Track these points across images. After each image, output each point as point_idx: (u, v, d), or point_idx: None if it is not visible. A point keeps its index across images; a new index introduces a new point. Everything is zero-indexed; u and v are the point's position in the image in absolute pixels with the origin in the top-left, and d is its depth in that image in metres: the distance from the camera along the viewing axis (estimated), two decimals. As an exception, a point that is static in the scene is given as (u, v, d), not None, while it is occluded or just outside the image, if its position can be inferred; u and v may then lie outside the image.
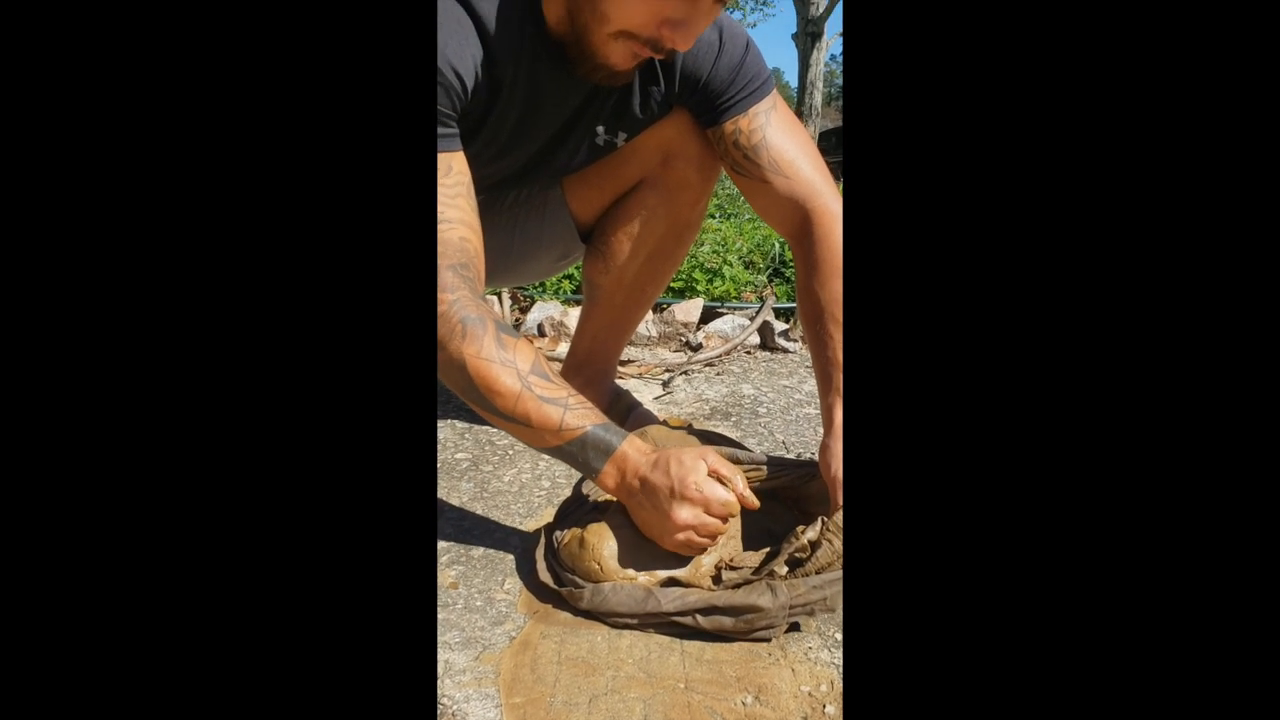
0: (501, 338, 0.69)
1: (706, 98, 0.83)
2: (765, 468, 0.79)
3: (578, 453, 0.71)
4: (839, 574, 0.67)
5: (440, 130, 0.70)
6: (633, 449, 0.71)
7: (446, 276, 0.68)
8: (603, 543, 0.72)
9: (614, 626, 0.70)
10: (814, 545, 0.68)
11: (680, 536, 0.70)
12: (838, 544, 0.67)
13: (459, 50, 0.70)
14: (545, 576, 0.74)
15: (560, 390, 0.70)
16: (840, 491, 0.72)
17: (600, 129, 0.86)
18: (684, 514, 0.68)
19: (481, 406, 0.70)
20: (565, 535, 0.75)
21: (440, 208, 0.69)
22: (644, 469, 0.70)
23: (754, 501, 0.71)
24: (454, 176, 0.71)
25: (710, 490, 0.69)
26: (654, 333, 1.71)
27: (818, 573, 0.67)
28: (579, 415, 0.70)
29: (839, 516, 0.69)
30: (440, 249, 0.69)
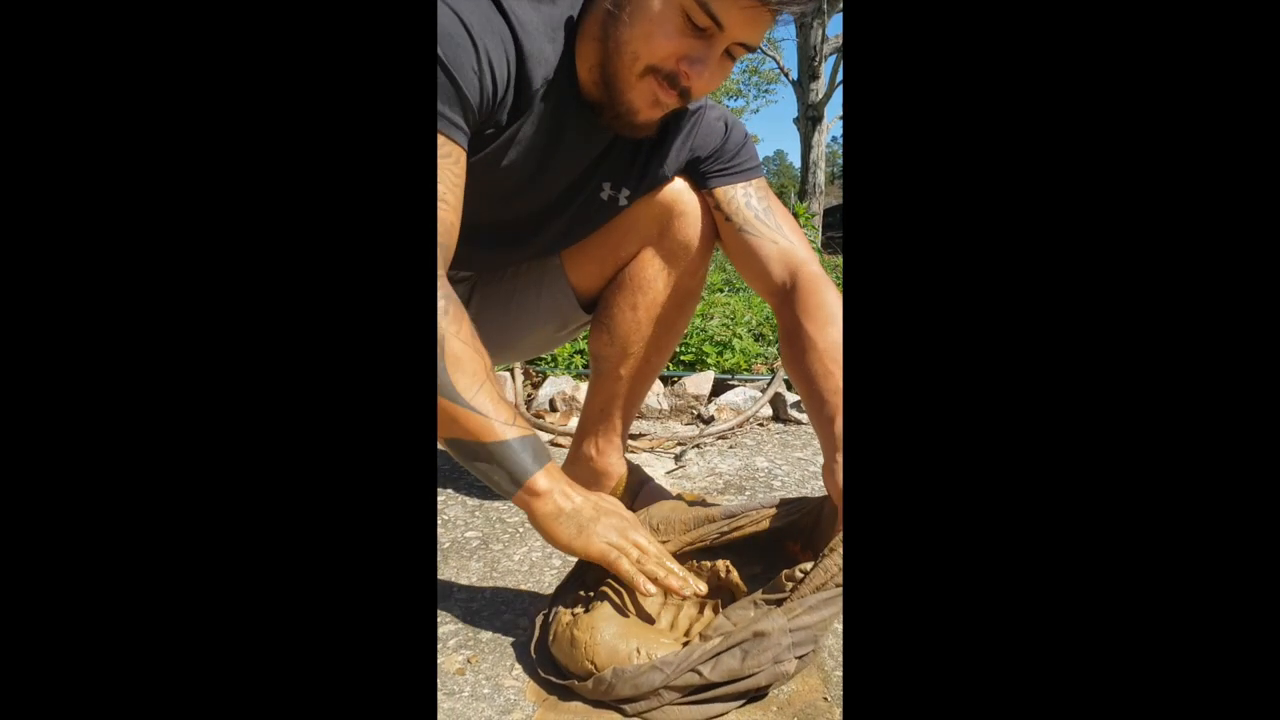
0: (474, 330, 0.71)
1: (715, 164, 0.91)
2: (770, 510, 0.79)
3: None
4: (835, 593, 0.65)
5: (456, 120, 0.70)
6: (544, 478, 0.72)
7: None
8: (595, 637, 0.69)
9: (627, 715, 0.66)
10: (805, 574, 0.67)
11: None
12: (829, 561, 0.66)
13: (498, 55, 0.71)
14: (546, 672, 0.71)
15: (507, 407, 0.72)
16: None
17: (607, 184, 0.88)
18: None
19: (443, 395, 0.68)
20: (554, 628, 0.72)
21: (439, 188, 0.69)
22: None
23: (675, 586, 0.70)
24: (452, 161, 0.71)
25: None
26: (665, 406, 1.69)
27: (813, 593, 0.65)
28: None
29: (836, 540, 0.67)
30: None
